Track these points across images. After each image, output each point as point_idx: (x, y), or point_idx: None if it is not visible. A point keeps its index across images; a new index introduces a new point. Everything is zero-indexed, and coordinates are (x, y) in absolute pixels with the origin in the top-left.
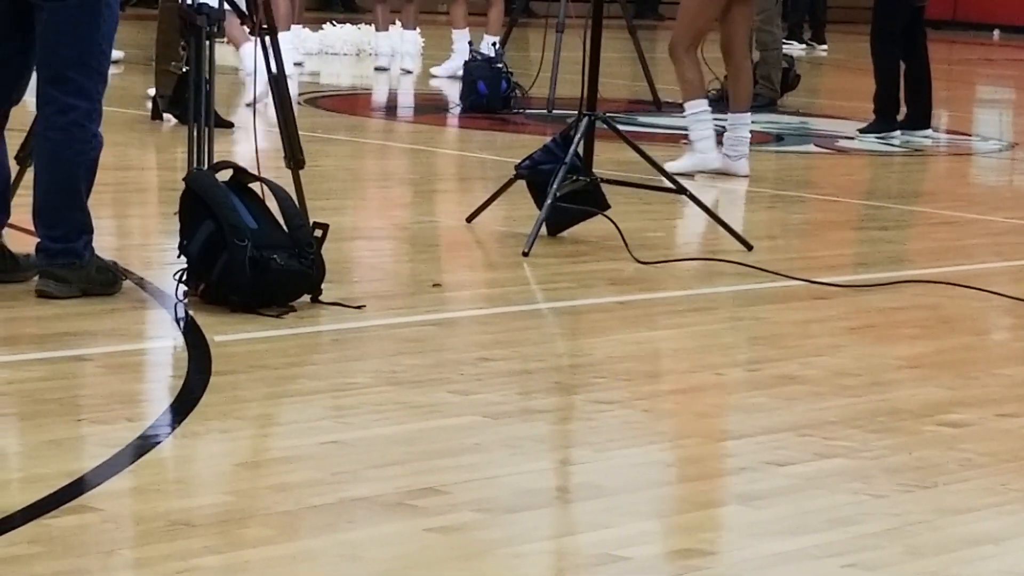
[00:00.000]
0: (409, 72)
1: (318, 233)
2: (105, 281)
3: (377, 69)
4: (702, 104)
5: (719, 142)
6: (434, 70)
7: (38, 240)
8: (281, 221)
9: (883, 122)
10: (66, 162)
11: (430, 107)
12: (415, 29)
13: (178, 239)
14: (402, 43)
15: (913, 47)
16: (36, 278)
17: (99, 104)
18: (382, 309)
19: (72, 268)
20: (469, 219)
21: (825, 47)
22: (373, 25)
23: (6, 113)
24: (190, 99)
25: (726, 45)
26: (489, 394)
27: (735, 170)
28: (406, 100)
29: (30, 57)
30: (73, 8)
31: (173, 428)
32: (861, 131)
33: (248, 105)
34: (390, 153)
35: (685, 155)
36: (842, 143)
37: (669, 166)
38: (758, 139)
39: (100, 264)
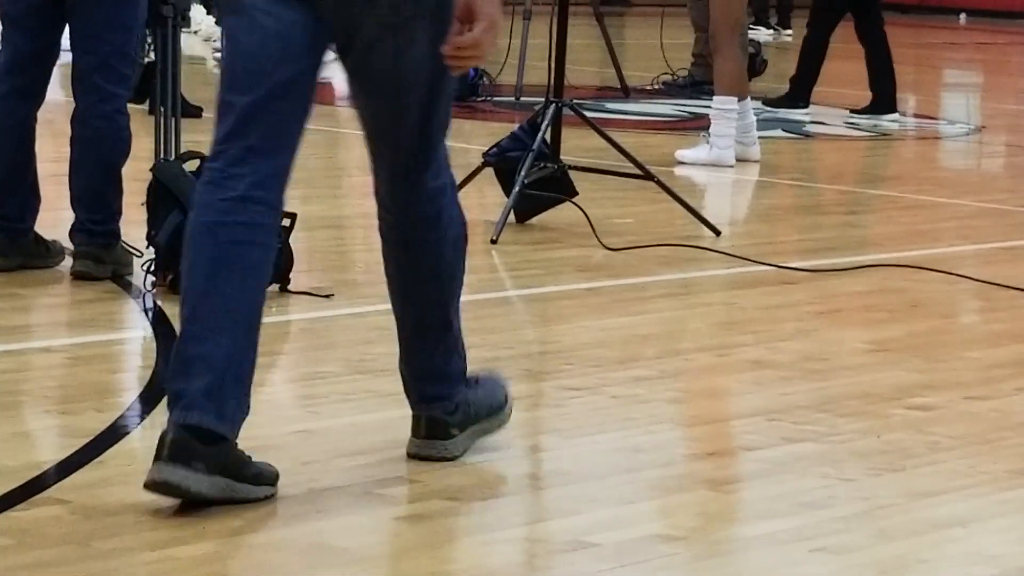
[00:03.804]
0: None
1: (286, 222)
2: (128, 262)
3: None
4: (733, 102)
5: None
6: None
7: (76, 222)
8: None
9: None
10: (109, 149)
11: None
12: None
13: (146, 229)
14: None
15: (872, 31)
16: (70, 260)
17: (129, 93)
18: (351, 298)
19: (108, 249)
20: None
21: (791, 32)
22: None
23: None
24: (156, 89)
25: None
26: None
27: (748, 155)
28: None
29: (59, 48)
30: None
31: (142, 418)
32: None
33: None
34: (358, 141)
35: (701, 146)
36: (809, 128)
37: (683, 155)
38: None
39: (121, 244)
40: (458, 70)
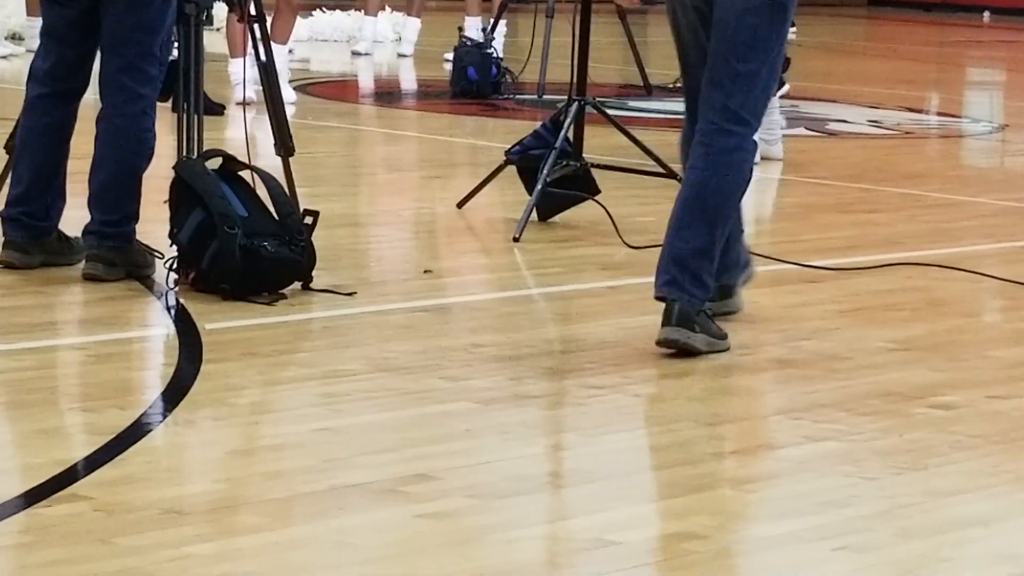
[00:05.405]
0: (406, 56)
1: (308, 220)
2: (145, 263)
3: (354, 54)
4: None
5: None
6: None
7: (89, 223)
8: (271, 209)
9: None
10: (129, 151)
11: (420, 93)
12: (419, 17)
13: (168, 227)
14: (405, 29)
15: None
16: (83, 261)
17: (156, 95)
18: (373, 296)
19: (120, 251)
20: (459, 205)
21: (795, 29)
22: (363, 10)
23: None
24: (179, 87)
25: None
26: (480, 380)
27: (771, 154)
28: (396, 86)
29: (96, 52)
30: (149, 1)
31: (164, 416)
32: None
33: (238, 104)
34: (380, 140)
35: None
36: (832, 126)
37: None
38: None
39: (138, 246)
40: None
